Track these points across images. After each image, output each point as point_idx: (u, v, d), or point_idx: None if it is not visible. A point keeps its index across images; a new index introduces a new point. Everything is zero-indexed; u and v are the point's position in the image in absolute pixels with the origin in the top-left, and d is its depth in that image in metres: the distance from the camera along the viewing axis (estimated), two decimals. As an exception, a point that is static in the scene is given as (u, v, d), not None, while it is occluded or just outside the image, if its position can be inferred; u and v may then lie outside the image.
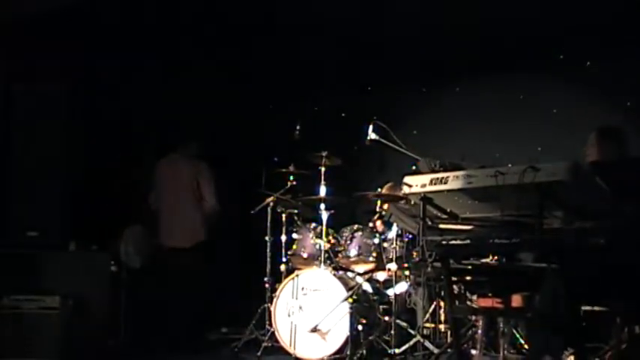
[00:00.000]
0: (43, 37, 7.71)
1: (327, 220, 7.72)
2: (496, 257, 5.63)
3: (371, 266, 7.68)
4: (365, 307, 7.45)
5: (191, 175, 8.33)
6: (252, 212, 8.57)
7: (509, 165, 4.56)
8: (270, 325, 7.57)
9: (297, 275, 7.50)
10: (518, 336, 6.64)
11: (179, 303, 8.13)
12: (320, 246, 7.67)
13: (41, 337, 6.82)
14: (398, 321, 7.22)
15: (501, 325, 6.15)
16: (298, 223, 8.06)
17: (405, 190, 5.04)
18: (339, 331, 7.13)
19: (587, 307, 5.36)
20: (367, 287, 7.68)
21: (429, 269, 6.86)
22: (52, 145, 7.42)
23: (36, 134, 7.43)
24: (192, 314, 8.23)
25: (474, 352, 6.47)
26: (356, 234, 7.71)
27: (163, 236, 8.32)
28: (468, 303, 6.94)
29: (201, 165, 8.40)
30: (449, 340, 7.08)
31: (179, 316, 8.12)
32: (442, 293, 7.19)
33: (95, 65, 8.58)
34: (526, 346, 6.36)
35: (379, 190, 7.88)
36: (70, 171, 7.46)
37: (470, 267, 5.82)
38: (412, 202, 5.97)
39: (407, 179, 5.06)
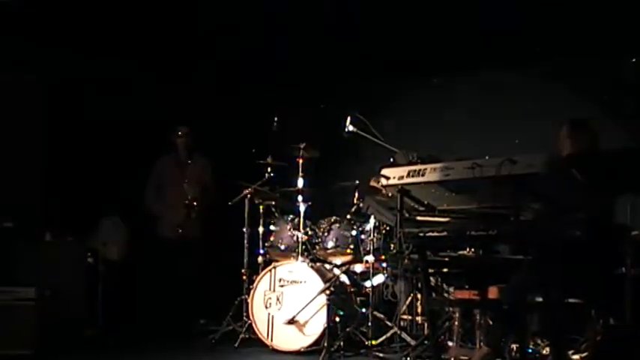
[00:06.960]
0: (17, 26, 7.64)
1: (305, 212, 7.71)
2: (473, 249, 5.67)
3: (348, 258, 7.67)
4: (342, 299, 7.45)
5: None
6: (230, 203, 8.55)
7: (486, 157, 4.58)
8: (248, 316, 7.56)
9: (274, 267, 7.51)
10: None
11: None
12: (297, 238, 7.67)
13: (16, 329, 6.78)
14: (375, 313, 7.22)
15: (478, 317, 6.18)
16: (276, 214, 8.05)
17: (383, 182, 5.06)
18: (316, 322, 7.14)
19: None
20: (344, 279, 7.68)
21: (406, 261, 6.90)
22: (27, 135, 7.37)
23: (11, 124, 7.38)
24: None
25: (450, 343, 6.50)
26: (333, 226, 7.70)
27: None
28: (445, 295, 6.98)
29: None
30: (426, 331, 7.09)
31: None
32: (419, 285, 7.20)
33: (70, 55, 8.53)
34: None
35: (357, 182, 7.87)
36: (47, 161, 7.42)
37: (447, 259, 5.86)
38: (389, 194, 5.99)
39: (384, 171, 5.07)
